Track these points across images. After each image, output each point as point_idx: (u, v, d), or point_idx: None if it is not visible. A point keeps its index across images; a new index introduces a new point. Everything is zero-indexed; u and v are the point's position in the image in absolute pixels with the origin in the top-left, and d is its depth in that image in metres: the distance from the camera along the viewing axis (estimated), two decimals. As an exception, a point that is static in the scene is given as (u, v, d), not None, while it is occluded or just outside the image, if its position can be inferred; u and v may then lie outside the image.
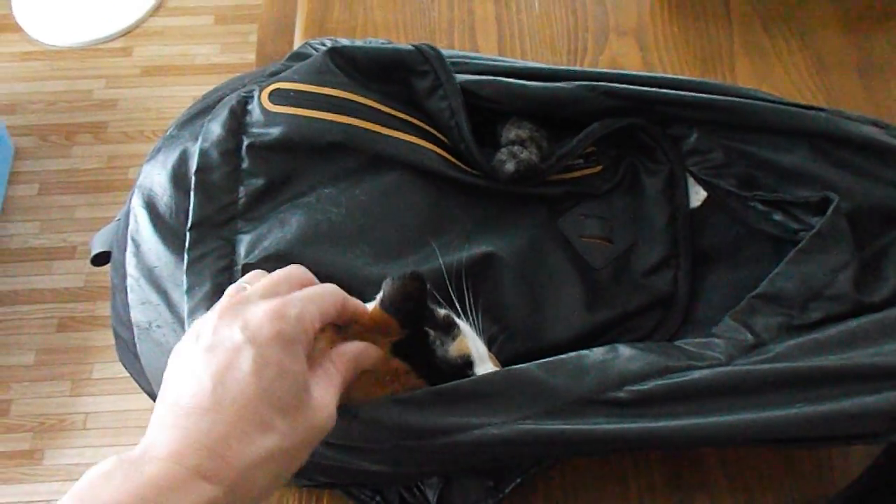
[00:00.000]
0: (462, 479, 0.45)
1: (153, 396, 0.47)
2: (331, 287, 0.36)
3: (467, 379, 0.38)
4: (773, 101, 0.51)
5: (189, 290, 0.41)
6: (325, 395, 0.33)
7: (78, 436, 1.33)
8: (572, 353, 0.41)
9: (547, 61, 0.69)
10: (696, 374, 0.39)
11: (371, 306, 0.39)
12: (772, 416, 0.37)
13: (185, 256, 0.41)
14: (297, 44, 0.71)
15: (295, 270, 0.37)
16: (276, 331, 0.32)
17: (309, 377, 0.33)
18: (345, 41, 0.49)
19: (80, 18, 1.80)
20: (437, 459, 0.41)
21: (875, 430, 0.38)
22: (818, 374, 0.39)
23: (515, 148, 0.48)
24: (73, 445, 1.32)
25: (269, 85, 0.45)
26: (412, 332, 0.38)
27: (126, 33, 1.79)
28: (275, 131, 0.44)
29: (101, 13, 1.81)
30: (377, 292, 0.39)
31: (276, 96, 0.45)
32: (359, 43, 0.48)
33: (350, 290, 0.37)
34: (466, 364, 0.40)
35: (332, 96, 0.46)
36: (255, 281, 0.36)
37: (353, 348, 0.37)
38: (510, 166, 0.48)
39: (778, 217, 0.50)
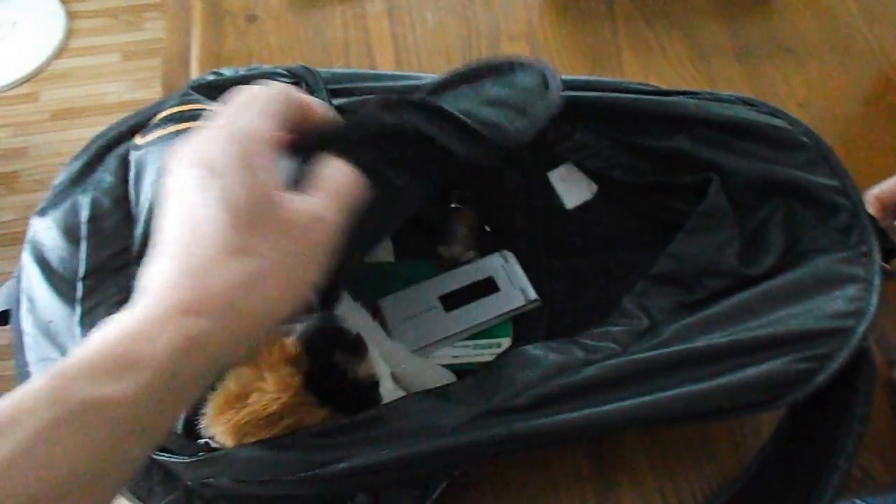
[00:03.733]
0: (390, 492, 0.46)
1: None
2: (273, 89, 0.35)
3: (345, 421, 0.39)
4: (653, 93, 0.53)
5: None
6: (312, 205, 0.32)
7: None
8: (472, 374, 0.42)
9: (443, 71, 0.70)
10: (591, 370, 0.40)
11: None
12: (663, 397, 0.39)
13: (78, 308, 0.41)
14: (194, 75, 0.71)
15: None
16: (231, 154, 0.31)
17: (289, 196, 0.32)
18: (227, 71, 0.50)
19: (-22, 67, 1.74)
20: (339, 484, 0.41)
21: (763, 398, 0.40)
22: (705, 354, 0.40)
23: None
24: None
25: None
26: (322, 364, 0.39)
27: (30, 78, 1.74)
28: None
29: (1, 59, 1.75)
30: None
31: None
32: (228, 73, 0.48)
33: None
34: (374, 385, 0.41)
35: (203, 110, 0.45)
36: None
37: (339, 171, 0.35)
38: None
39: (666, 202, 0.53)
